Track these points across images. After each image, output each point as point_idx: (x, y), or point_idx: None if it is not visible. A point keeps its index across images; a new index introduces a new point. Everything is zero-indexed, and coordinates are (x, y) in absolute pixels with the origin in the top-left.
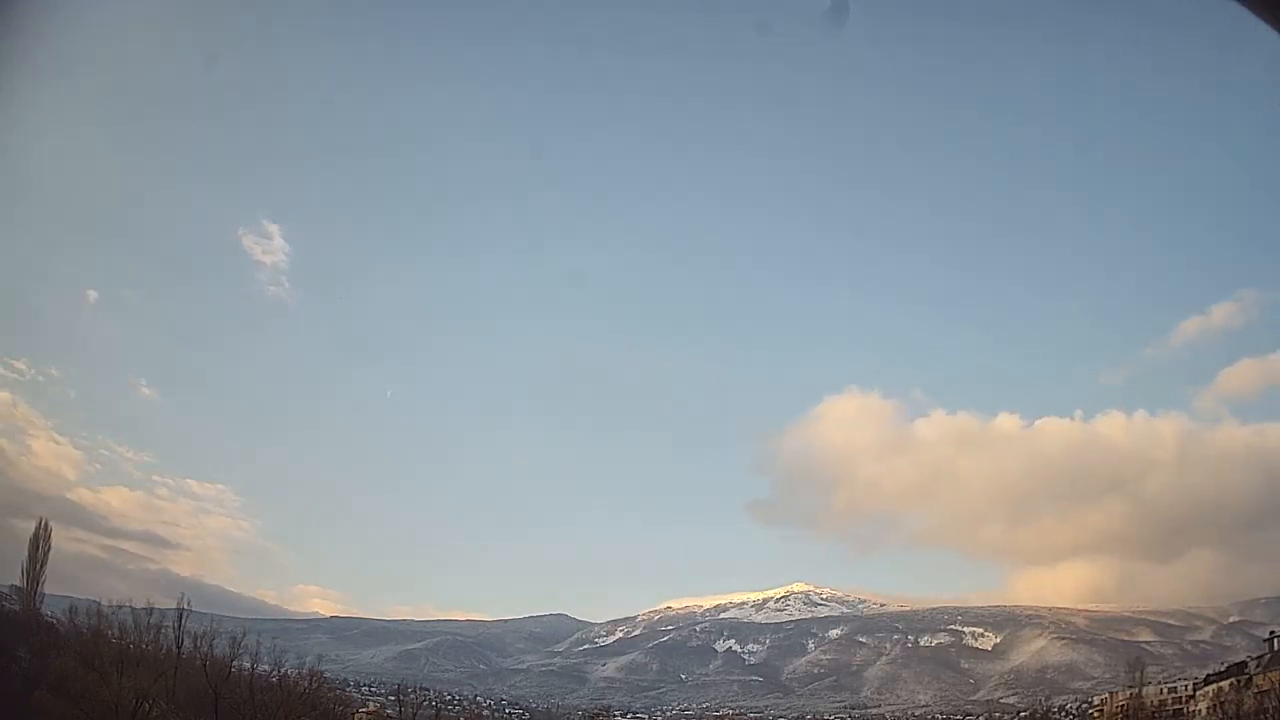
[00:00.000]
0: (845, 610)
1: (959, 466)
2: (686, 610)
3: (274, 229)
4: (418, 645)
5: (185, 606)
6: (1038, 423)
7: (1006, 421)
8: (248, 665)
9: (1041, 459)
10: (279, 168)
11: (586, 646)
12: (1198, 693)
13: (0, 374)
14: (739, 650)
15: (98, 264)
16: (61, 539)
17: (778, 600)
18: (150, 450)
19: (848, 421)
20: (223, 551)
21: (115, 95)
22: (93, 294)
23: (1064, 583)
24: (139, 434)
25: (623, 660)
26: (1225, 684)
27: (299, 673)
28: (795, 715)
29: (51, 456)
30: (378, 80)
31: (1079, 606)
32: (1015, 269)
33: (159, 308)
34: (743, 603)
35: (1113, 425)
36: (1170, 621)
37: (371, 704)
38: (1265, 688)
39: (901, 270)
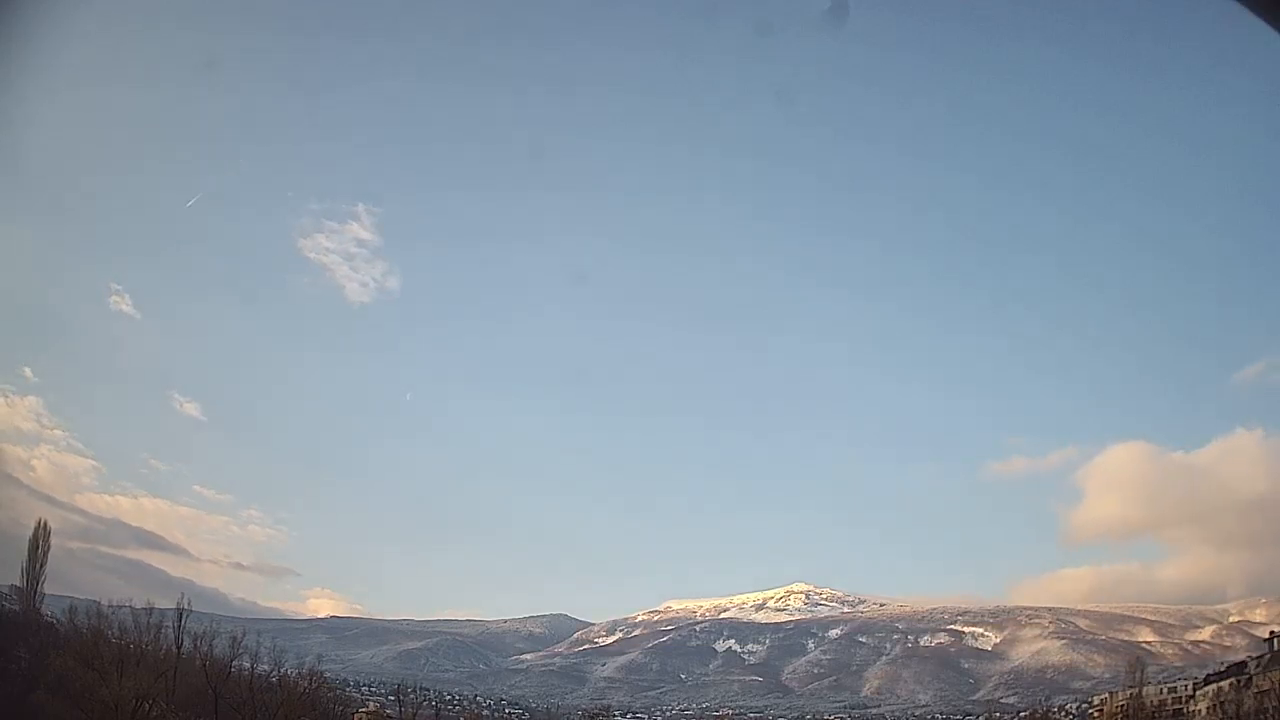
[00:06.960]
0: (845, 610)
1: None
2: (686, 610)
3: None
4: (418, 645)
5: (185, 606)
6: None
7: None
8: (248, 665)
9: None
10: (289, 172)
11: (586, 646)
12: (1198, 693)
13: (24, 377)
14: (739, 650)
15: (121, 269)
16: (68, 542)
17: (778, 600)
18: (163, 457)
19: None
20: (227, 554)
21: (140, 96)
22: (117, 300)
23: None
24: (150, 438)
25: (623, 660)
26: (1225, 684)
27: (299, 673)
28: (795, 715)
29: (64, 462)
30: (394, 78)
31: (1079, 606)
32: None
33: (181, 311)
34: (743, 603)
35: None
36: (1170, 621)
37: (371, 704)
38: (1265, 688)
39: (895, 271)
